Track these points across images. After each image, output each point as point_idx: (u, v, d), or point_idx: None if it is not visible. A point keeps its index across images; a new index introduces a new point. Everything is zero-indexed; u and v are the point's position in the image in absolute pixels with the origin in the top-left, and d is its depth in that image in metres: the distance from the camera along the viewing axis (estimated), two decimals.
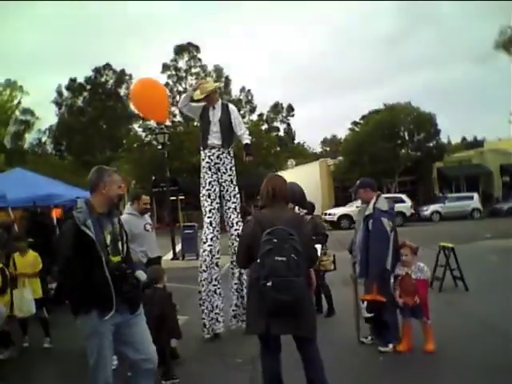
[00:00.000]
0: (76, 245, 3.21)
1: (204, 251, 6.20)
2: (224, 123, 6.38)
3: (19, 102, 39.58)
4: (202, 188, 6.42)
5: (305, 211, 7.37)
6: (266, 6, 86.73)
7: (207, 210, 6.30)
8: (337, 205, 34.33)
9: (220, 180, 6.42)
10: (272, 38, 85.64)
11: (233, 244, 6.34)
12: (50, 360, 5.83)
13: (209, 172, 6.37)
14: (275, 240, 3.44)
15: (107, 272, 3.25)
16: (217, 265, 6.25)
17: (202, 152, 6.51)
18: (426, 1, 60.93)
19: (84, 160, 48.08)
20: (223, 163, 6.38)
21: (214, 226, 6.28)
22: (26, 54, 71.62)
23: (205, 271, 6.12)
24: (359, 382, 4.60)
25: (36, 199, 8.65)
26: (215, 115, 6.45)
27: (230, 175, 6.43)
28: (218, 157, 6.37)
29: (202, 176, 6.45)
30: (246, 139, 6.48)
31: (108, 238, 3.35)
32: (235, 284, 6.47)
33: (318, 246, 6.95)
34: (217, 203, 6.37)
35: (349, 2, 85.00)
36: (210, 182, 6.35)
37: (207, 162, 6.40)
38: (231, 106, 6.62)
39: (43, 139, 52.63)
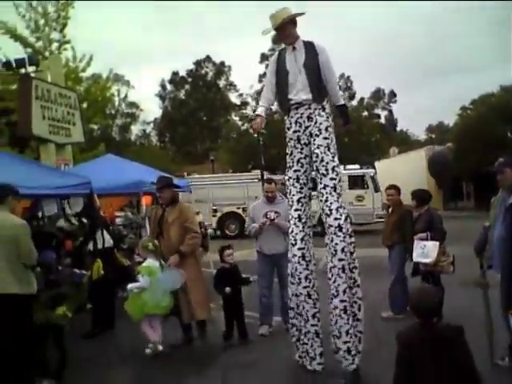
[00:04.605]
0: None
1: (294, 257, 4.57)
2: (311, 68, 4.49)
3: (125, 96, 41.63)
4: (287, 169, 4.72)
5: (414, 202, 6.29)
6: None
7: (295, 199, 4.63)
8: (445, 196, 31.73)
9: (313, 147, 4.51)
10: (372, 23, 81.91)
11: (332, 240, 4.36)
12: None
13: (298, 146, 4.58)
14: None
15: None
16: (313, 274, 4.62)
17: (286, 119, 4.74)
18: None
19: (185, 150, 49.73)
20: (315, 123, 4.49)
21: (304, 220, 4.62)
22: (131, 50, 75.30)
23: (298, 284, 4.54)
24: None
25: (125, 186, 8.39)
26: (297, 59, 4.54)
27: (325, 138, 4.46)
28: (308, 118, 4.52)
29: (288, 152, 4.71)
30: (340, 99, 4.66)
31: None
32: (341, 301, 4.32)
33: (435, 244, 5.89)
34: (309, 189, 4.69)
35: None
36: (299, 160, 4.60)
37: (295, 131, 4.59)
38: (318, 45, 4.60)
39: (148, 130, 55.05)
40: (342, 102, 4.70)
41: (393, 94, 54.22)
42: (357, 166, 21.36)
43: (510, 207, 4.03)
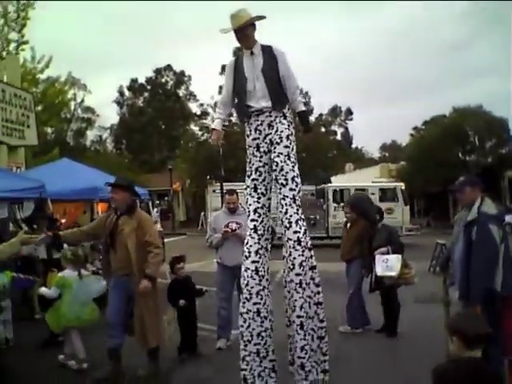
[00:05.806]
0: None
1: (246, 270, 4.23)
2: (270, 74, 4.26)
3: (82, 101, 40.56)
4: (246, 178, 4.44)
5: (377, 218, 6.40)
6: (329, 8, 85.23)
7: (251, 209, 4.34)
8: None
9: (273, 155, 4.28)
10: (334, 43, 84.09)
11: (290, 254, 4.13)
12: None
13: (256, 153, 4.33)
14: None
15: None
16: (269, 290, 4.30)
17: (246, 126, 4.47)
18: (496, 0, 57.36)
19: (142, 159, 48.92)
20: (276, 131, 4.27)
21: (260, 232, 4.30)
22: (90, 54, 73.79)
23: (248, 300, 4.18)
24: None
25: (80, 192, 8.14)
26: (255, 65, 4.31)
27: (286, 146, 4.24)
28: (269, 125, 4.29)
29: (247, 160, 4.46)
30: (300, 105, 4.40)
31: None
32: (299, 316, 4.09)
33: (398, 257, 5.98)
34: (268, 199, 4.40)
35: (412, 8, 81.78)
36: (257, 169, 4.34)
37: (254, 139, 4.34)
38: (276, 49, 4.36)
39: (104, 136, 53.86)
40: (303, 109, 4.44)
41: (349, 112, 55.37)
42: (385, 180, 21.71)
43: (467, 225, 4.13)
